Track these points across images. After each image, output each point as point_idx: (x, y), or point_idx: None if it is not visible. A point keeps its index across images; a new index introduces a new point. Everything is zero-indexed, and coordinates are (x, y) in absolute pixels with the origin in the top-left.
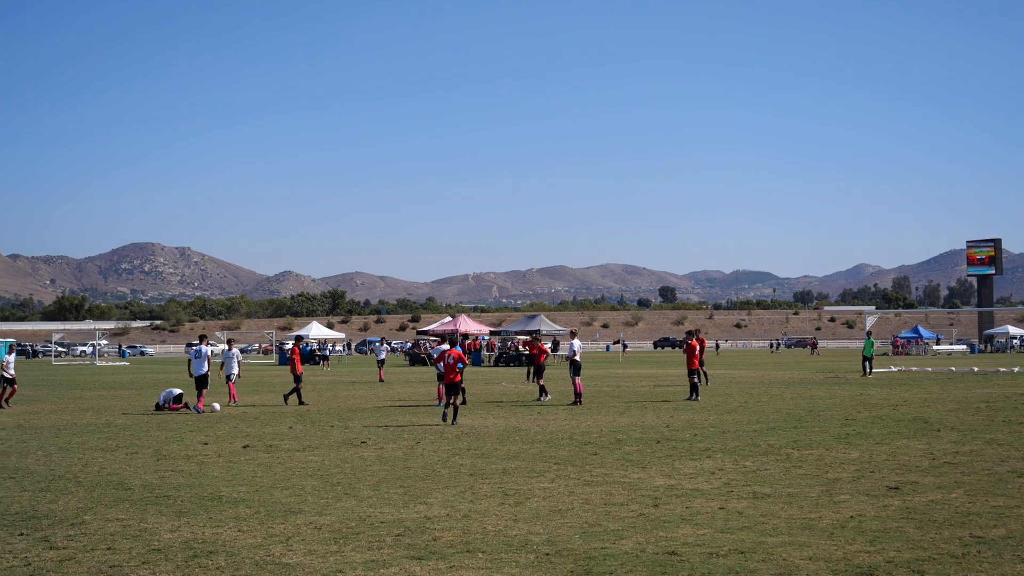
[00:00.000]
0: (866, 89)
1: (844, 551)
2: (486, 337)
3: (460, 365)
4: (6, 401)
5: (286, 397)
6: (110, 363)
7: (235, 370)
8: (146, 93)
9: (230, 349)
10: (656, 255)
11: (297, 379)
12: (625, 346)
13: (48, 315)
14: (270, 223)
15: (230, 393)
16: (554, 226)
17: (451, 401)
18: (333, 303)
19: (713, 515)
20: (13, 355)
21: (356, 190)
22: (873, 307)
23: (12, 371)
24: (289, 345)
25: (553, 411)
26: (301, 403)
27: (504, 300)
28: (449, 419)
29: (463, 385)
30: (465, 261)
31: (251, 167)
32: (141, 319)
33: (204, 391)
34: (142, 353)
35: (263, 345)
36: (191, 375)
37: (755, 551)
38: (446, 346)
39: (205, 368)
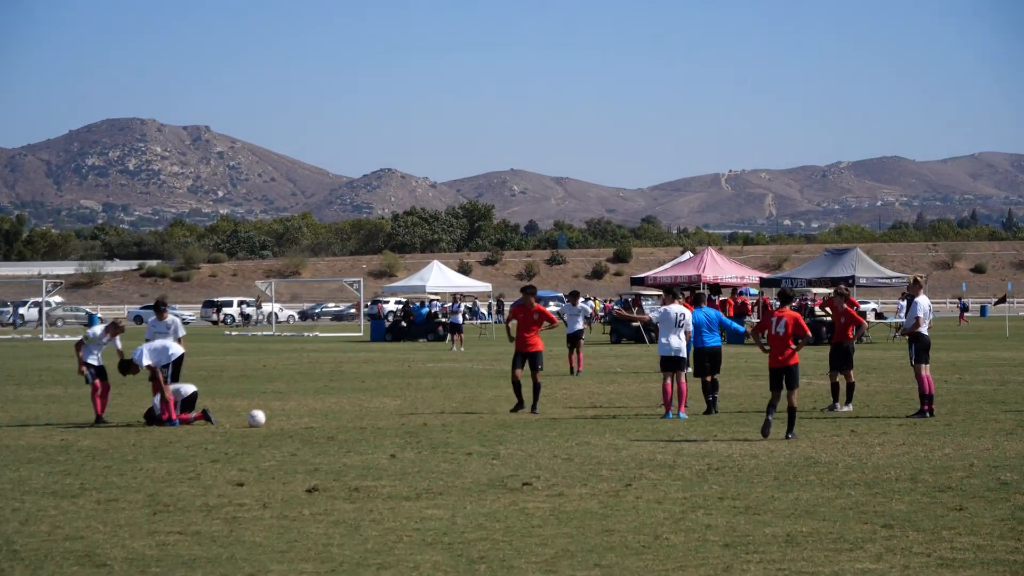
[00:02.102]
0: None
1: None
2: (753, 291)
3: (798, 339)
4: (99, 406)
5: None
6: (69, 337)
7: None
8: None
9: (162, 318)
10: None
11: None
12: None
13: None
14: (354, 88)
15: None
16: (877, 92)
17: (791, 401)
18: (470, 227)
19: None
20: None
21: (508, 33)
22: None
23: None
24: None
25: (877, 427)
26: (533, 409)
27: (787, 221)
28: (782, 431)
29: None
30: (713, 152)
31: None
32: (122, 257)
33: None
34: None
35: (357, 307)
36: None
37: None
38: (677, 307)
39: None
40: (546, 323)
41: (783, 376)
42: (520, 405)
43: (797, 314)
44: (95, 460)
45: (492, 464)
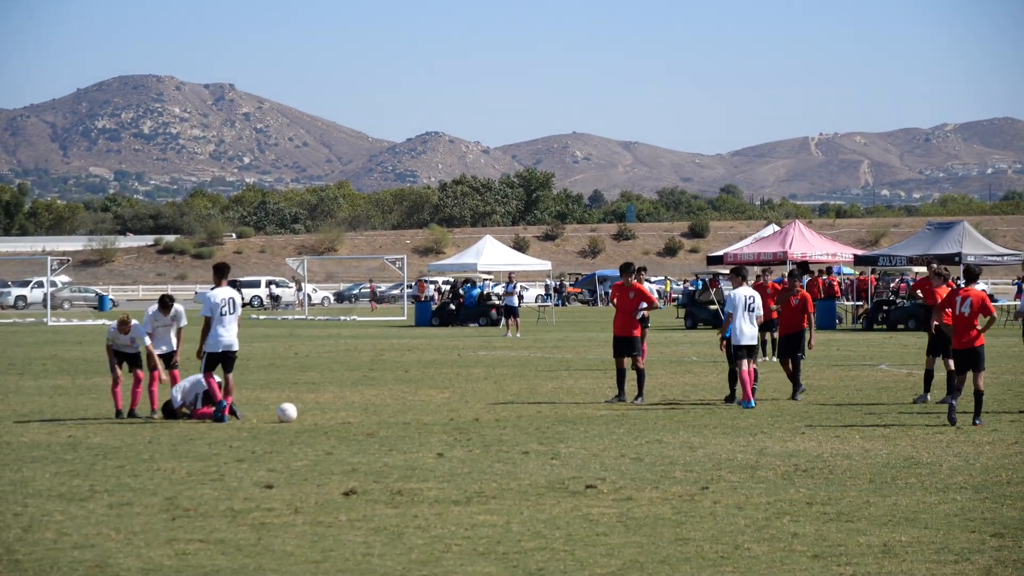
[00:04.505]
0: None
1: None
2: (846, 270)
3: (985, 318)
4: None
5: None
6: (77, 321)
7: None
8: None
9: (165, 309)
10: None
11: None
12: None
13: None
14: (396, 41)
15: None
16: (986, 43)
17: (977, 385)
18: (527, 198)
19: None
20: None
21: None
22: None
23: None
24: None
25: (987, 423)
26: (637, 398)
27: (884, 191)
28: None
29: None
30: (801, 113)
31: None
32: (136, 232)
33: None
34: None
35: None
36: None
37: None
38: (746, 289)
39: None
40: (643, 304)
41: (967, 358)
42: (619, 397)
43: (983, 293)
44: (106, 459)
45: (551, 464)
